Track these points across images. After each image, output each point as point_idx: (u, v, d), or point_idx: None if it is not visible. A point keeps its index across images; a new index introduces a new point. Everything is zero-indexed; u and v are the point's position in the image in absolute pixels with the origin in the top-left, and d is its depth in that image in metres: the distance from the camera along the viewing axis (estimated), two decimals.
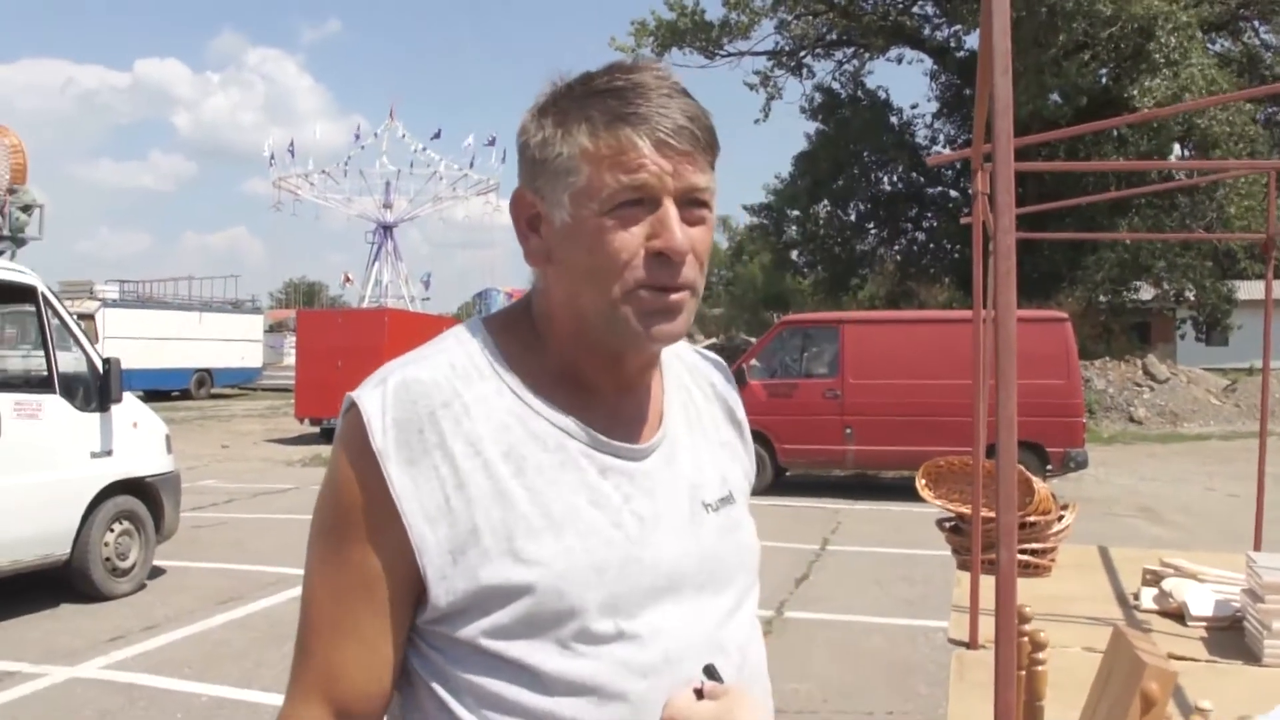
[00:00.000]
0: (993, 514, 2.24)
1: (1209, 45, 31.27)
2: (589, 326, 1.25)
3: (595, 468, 1.26)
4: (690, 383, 1.47)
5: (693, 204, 1.22)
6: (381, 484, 1.18)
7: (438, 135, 60.71)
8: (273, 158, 58.09)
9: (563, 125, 1.21)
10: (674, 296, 1.22)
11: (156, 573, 9.32)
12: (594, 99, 1.21)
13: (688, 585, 1.28)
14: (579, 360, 1.29)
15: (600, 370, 1.30)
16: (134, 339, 31.21)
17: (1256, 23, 33.83)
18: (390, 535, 1.19)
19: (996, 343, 1.40)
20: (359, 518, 1.20)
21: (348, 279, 63.53)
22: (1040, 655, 2.11)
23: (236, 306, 41.26)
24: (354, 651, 1.21)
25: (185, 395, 35.73)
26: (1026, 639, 2.13)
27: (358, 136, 59.70)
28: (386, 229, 59.84)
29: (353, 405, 1.23)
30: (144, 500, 8.91)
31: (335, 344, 21.86)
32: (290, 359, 37.64)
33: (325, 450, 19.74)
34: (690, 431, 1.40)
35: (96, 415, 8.42)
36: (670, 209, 1.20)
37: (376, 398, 1.21)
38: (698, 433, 1.42)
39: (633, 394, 1.34)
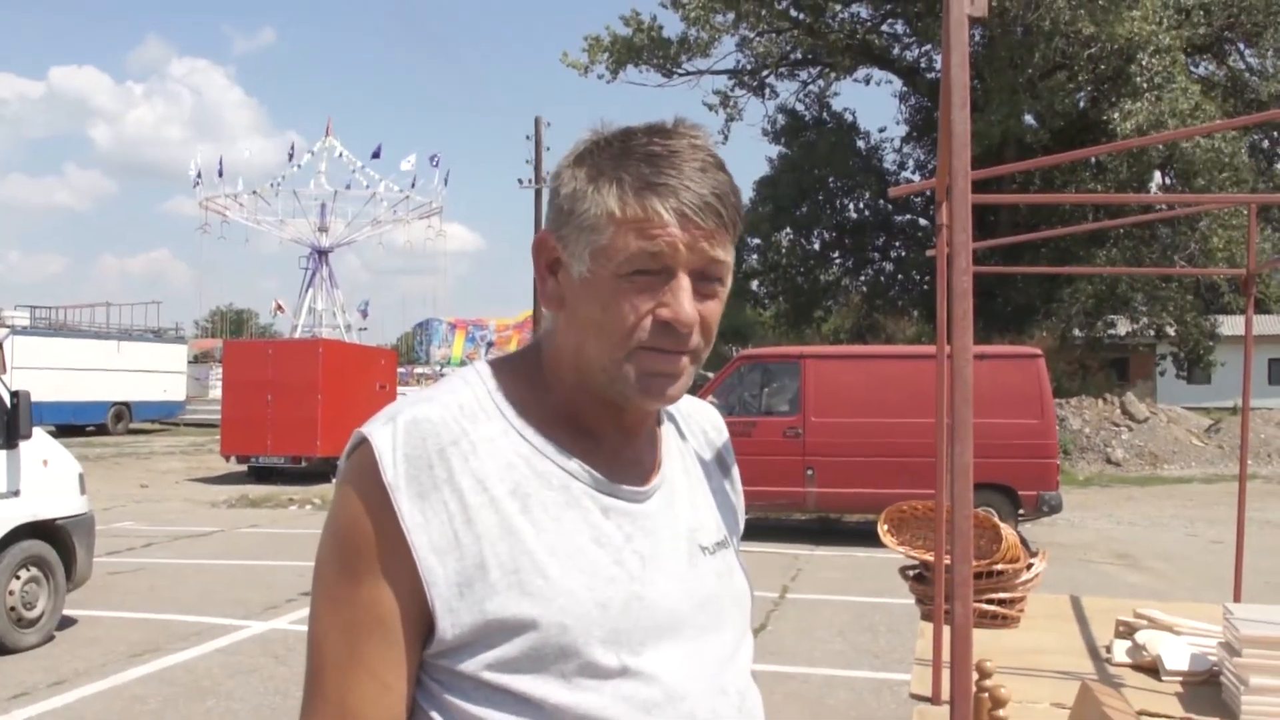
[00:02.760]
0: None
1: (1192, 69, 31.73)
2: (591, 377, 1.34)
3: (598, 508, 1.34)
4: (686, 430, 1.57)
5: (708, 278, 1.31)
6: (392, 517, 1.24)
7: (377, 154, 60.01)
8: (199, 176, 57.70)
9: (594, 182, 1.30)
10: (675, 361, 1.32)
11: (66, 623, 9.16)
12: (629, 161, 1.29)
13: (688, 626, 1.35)
14: (582, 405, 1.38)
15: (602, 417, 1.38)
16: (46, 369, 30.87)
17: (1241, 45, 34.33)
18: (399, 568, 1.25)
19: (951, 387, 1.43)
20: (369, 551, 1.26)
21: (279, 307, 63.24)
22: (1001, 712, 2.13)
23: (158, 335, 40.92)
24: (368, 688, 1.26)
25: (101, 430, 35.31)
26: (987, 695, 2.15)
27: (291, 155, 59.45)
28: (321, 254, 59.53)
29: (363, 440, 1.29)
30: (54, 544, 8.76)
31: (265, 376, 21.78)
32: (216, 392, 37.40)
33: (252, 490, 19.63)
34: (687, 477, 1.50)
35: (2, 453, 8.29)
36: (684, 281, 1.29)
37: (387, 434, 1.27)
38: (694, 478, 1.51)
39: (633, 439, 1.43)
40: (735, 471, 1.64)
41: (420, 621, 1.26)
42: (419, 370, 52.59)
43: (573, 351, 1.35)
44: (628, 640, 1.28)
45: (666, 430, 1.51)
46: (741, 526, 1.62)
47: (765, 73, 38.16)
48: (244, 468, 22.70)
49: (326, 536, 1.31)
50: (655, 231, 1.26)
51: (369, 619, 1.26)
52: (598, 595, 1.27)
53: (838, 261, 39.80)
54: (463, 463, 1.27)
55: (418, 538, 1.23)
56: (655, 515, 1.39)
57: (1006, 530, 4.04)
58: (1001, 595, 3.96)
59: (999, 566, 3.96)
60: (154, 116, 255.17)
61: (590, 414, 1.38)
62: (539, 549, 1.26)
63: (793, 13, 34.78)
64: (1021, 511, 13.84)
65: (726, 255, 1.31)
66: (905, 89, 37.94)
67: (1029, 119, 30.76)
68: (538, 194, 36.71)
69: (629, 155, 1.29)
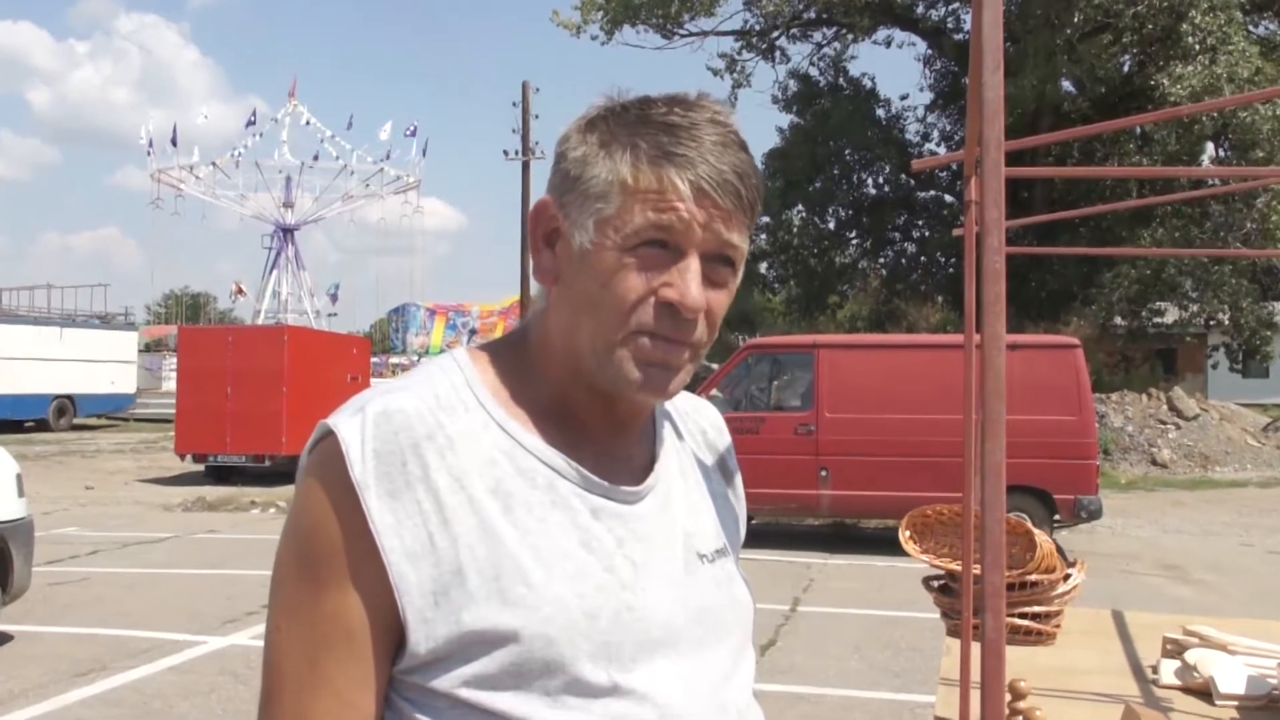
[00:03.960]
0: None
1: (1250, 28, 31.59)
2: (582, 362, 1.34)
3: (587, 509, 1.33)
4: (683, 428, 1.58)
5: (720, 262, 1.32)
6: (359, 518, 1.23)
7: (350, 125, 60.21)
8: (151, 145, 57.90)
9: (606, 148, 1.31)
10: (675, 351, 1.32)
11: (2, 639, 9.18)
12: (645, 129, 1.30)
13: (684, 639, 1.35)
14: (572, 396, 1.38)
15: (593, 409, 1.38)
16: None
17: None
18: (368, 574, 1.23)
19: (982, 378, 1.42)
20: (334, 556, 1.24)
21: (240, 290, 63.52)
22: None
23: (105, 321, 40.93)
24: (331, 707, 1.25)
25: (42, 426, 35.35)
26: (1021, 718, 2.15)
27: (252, 121, 59.52)
28: (287, 232, 59.66)
29: (329, 433, 1.28)
30: None
31: (224, 366, 21.79)
32: (170, 384, 37.38)
33: (209, 492, 19.63)
34: (684, 478, 1.49)
35: None
36: (694, 262, 1.29)
37: (355, 426, 1.26)
38: (691, 480, 1.51)
39: (625, 436, 1.43)
40: (737, 477, 1.64)
41: (390, 634, 1.25)
42: (394, 360, 52.68)
43: (564, 333, 1.35)
44: (618, 655, 1.27)
45: (662, 428, 1.50)
46: (743, 535, 1.61)
47: (775, 34, 38.17)
48: (201, 467, 22.70)
49: (286, 540, 1.30)
50: (669, 204, 1.26)
51: (333, 631, 1.24)
52: (586, 604, 1.26)
53: (855, 242, 39.91)
54: (438, 459, 1.26)
55: (389, 541, 1.22)
56: (649, 518, 1.38)
57: (1041, 537, 4.03)
58: (1036, 609, 3.96)
59: (1033, 577, 3.95)
60: (99, 78, 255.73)
61: (580, 406, 1.37)
62: (522, 553, 1.25)
63: None
64: (1057, 517, 13.85)
65: (741, 240, 1.32)
66: (930, 52, 37.97)
67: (1067, 84, 30.79)
68: (525, 166, 36.79)
69: (646, 123, 1.30)
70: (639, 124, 1.30)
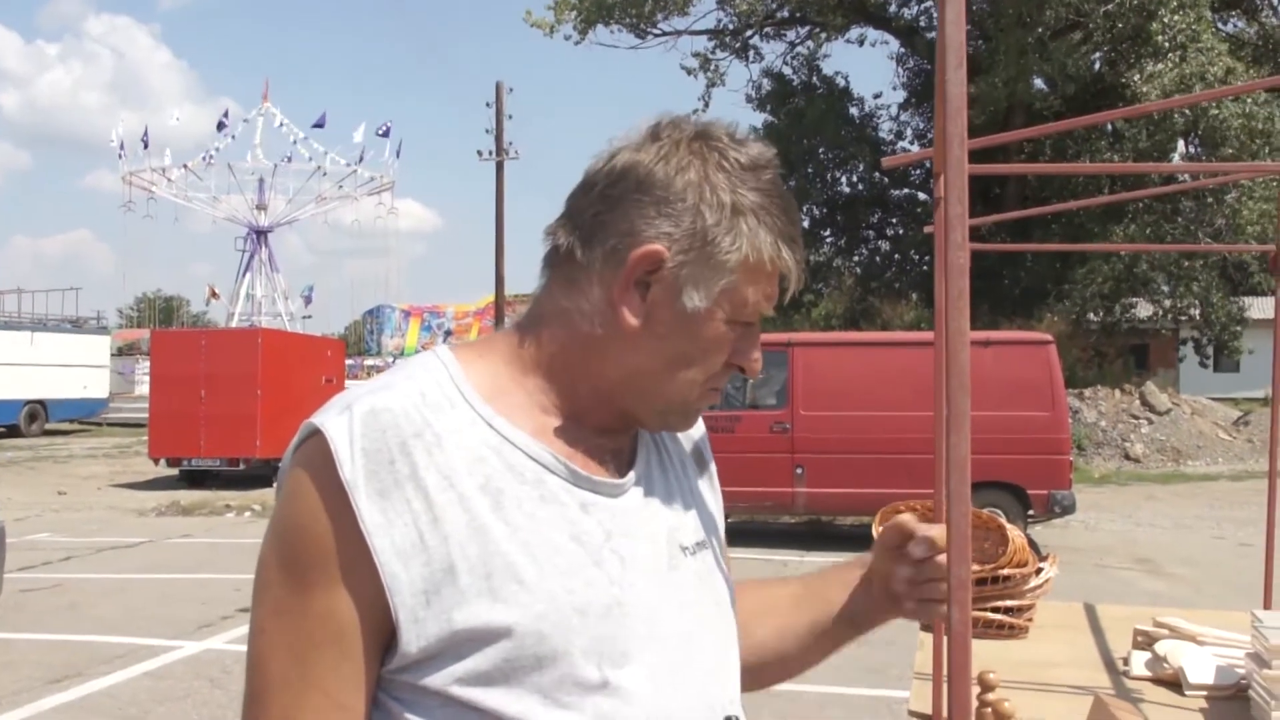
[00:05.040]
0: None
1: (1220, 26, 31.71)
2: (642, 400, 1.41)
3: (576, 503, 1.34)
4: None
5: None
6: (349, 518, 1.22)
7: (321, 123, 59.73)
8: (122, 147, 57.51)
9: (742, 217, 1.35)
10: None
11: None
12: (767, 202, 1.37)
13: (671, 634, 1.36)
14: (578, 404, 1.40)
15: (586, 411, 1.41)
16: None
17: (1275, 1, 34.33)
18: (359, 575, 1.22)
19: (947, 373, 1.44)
20: (324, 556, 1.23)
21: (213, 293, 63.00)
22: None
23: (77, 325, 40.62)
24: (321, 708, 1.24)
25: (13, 432, 35.07)
26: (990, 710, 2.16)
27: (224, 124, 59.24)
28: (260, 234, 59.36)
29: (316, 432, 1.27)
30: None
31: (198, 370, 21.67)
32: (143, 388, 37.16)
33: (184, 496, 19.53)
34: (663, 472, 1.50)
35: None
36: (758, 332, 1.41)
37: (343, 425, 1.25)
38: (670, 474, 1.52)
39: (612, 435, 1.44)
40: (713, 468, 1.65)
41: (380, 633, 1.24)
42: (369, 362, 52.45)
43: (627, 370, 1.37)
44: (609, 650, 1.28)
45: None
46: (722, 527, 1.62)
47: (749, 33, 38.17)
48: (175, 471, 22.58)
49: (272, 541, 1.28)
50: (775, 291, 1.35)
51: (323, 632, 1.23)
52: (576, 599, 1.27)
53: (829, 240, 39.88)
54: (426, 457, 1.25)
55: (379, 540, 1.21)
56: (633, 512, 1.39)
57: (1014, 532, 4.04)
58: (1008, 603, 3.98)
59: (1005, 571, 3.96)
60: (70, 80, 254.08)
61: (584, 412, 1.39)
62: (513, 550, 1.25)
63: None
64: (1031, 512, 13.86)
65: None
66: (903, 50, 38.01)
67: (1039, 83, 30.86)
68: (499, 167, 36.66)
69: (766, 194, 1.36)
70: (760, 193, 1.35)
